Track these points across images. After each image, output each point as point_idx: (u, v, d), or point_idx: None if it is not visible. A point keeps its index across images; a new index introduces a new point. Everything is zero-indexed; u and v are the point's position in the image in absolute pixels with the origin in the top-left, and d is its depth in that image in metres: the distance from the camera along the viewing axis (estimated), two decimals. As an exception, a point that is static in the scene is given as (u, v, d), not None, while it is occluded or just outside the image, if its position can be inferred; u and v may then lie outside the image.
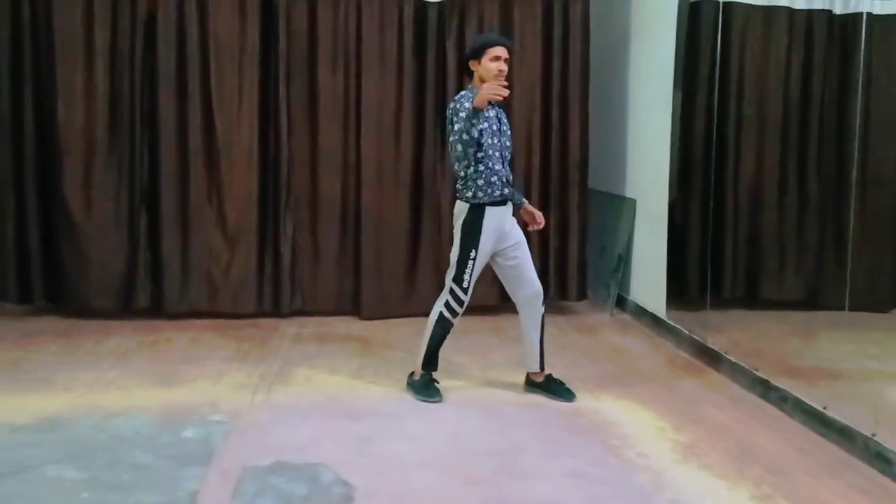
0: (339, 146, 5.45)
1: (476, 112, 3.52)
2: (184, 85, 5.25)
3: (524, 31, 5.55)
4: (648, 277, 5.51)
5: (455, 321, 3.85)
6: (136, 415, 3.53)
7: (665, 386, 4.13)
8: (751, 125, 5.56)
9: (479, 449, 3.24)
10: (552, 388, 3.90)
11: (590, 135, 5.69)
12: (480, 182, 3.69)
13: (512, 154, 3.96)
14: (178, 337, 4.89)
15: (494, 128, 3.74)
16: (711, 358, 4.50)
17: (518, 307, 3.92)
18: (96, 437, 3.27)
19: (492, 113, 3.75)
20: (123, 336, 4.87)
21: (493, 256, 3.83)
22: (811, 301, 5.56)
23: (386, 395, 3.89)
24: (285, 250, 5.40)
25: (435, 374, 3.93)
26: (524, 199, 4.02)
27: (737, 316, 5.39)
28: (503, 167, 3.76)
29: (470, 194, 3.71)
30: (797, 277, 5.58)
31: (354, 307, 5.53)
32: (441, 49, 5.51)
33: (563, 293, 5.72)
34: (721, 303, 5.46)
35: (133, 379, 4.04)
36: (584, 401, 3.84)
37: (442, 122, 5.52)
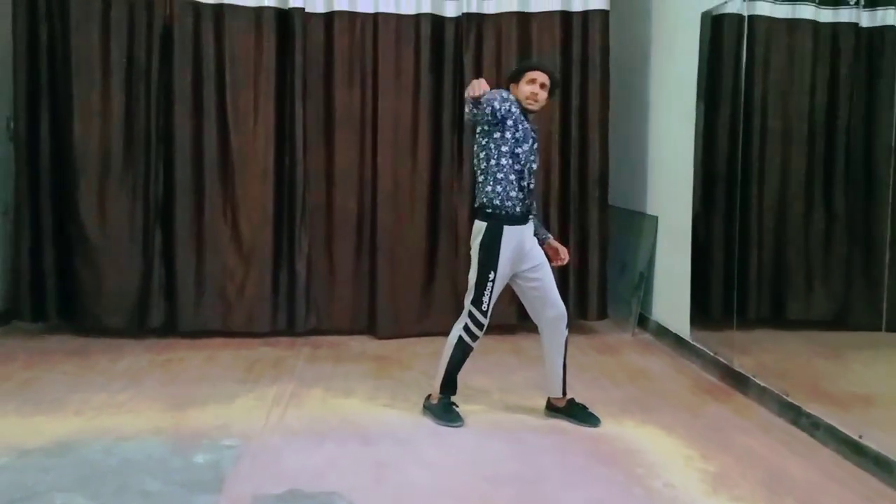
0: (354, 163, 5.37)
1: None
2: (199, 101, 5.21)
3: (542, 44, 5.47)
4: (671, 296, 5.38)
5: (475, 345, 3.73)
6: (147, 438, 3.44)
7: (691, 411, 3.99)
8: (776, 139, 5.43)
9: (499, 477, 3.12)
10: (575, 412, 3.77)
11: (610, 150, 5.59)
12: (500, 191, 3.58)
13: (536, 177, 3.83)
14: (192, 356, 4.82)
15: (530, 141, 3.63)
16: (738, 381, 4.36)
17: (540, 330, 3.79)
18: (106, 461, 3.19)
19: (527, 125, 3.64)
20: (136, 355, 4.80)
21: (514, 277, 3.71)
22: (841, 321, 5.39)
23: (402, 418, 3.79)
24: (300, 268, 5.32)
25: (453, 398, 3.81)
26: (548, 234, 3.90)
27: (763, 336, 5.23)
28: (526, 183, 3.64)
29: (486, 201, 3.59)
30: (826, 296, 5.42)
31: (370, 326, 5.44)
32: (458, 64, 5.43)
33: (582, 312, 5.60)
34: (746, 323, 5.30)
35: (144, 401, 3.96)
36: (608, 426, 3.71)
37: (459, 137, 5.44)
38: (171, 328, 5.24)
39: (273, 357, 4.84)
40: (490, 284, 3.60)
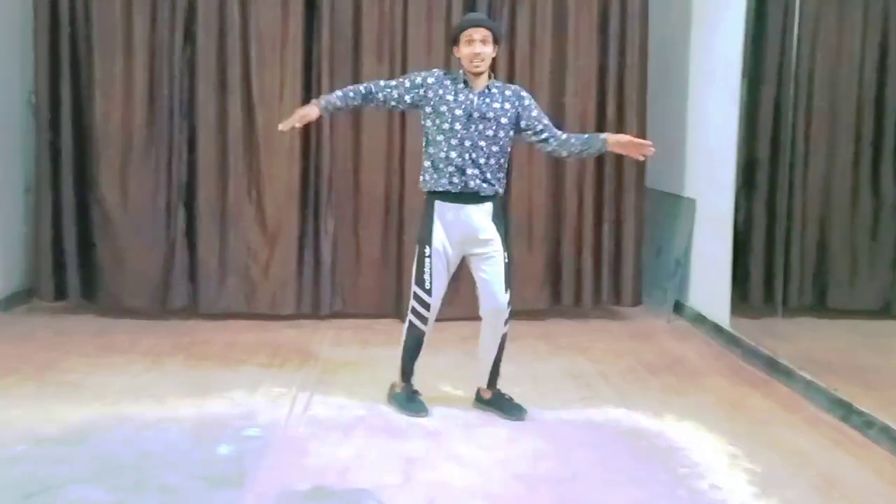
0: (383, 142, 5.20)
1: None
2: (223, 77, 5.06)
3: (579, 20, 5.25)
4: (709, 282, 5.17)
5: (425, 328, 3.54)
6: (168, 427, 3.32)
7: (733, 404, 3.80)
8: (823, 119, 5.18)
9: (535, 475, 2.97)
10: (501, 405, 3.60)
11: (648, 131, 5.36)
12: (427, 165, 3.47)
13: (506, 153, 3.52)
14: (214, 339, 4.70)
15: (458, 113, 3.38)
16: (782, 373, 4.16)
17: (482, 319, 3.60)
18: (124, 452, 3.07)
19: (471, 97, 3.40)
20: (158, 337, 4.69)
21: (466, 261, 3.55)
22: (886, 309, 5.18)
23: (431, 408, 3.63)
24: (326, 249, 5.18)
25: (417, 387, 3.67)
26: (604, 136, 3.48)
27: (806, 325, 5.03)
28: (466, 159, 3.39)
29: (420, 178, 3.52)
30: (872, 284, 5.20)
31: (396, 310, 5.28)
32: (491, 40, 5.22)
33: (616, 298, 5.41)
34: (789, 311, 5.11)
35: (166, 386, 3.85)
36: (647, 421, 3.53)
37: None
38: (193, 309, 5.13)
39: (297, 341, 4.71)
40: (427, 261, 3.45)
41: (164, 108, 5.05)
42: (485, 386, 3.65)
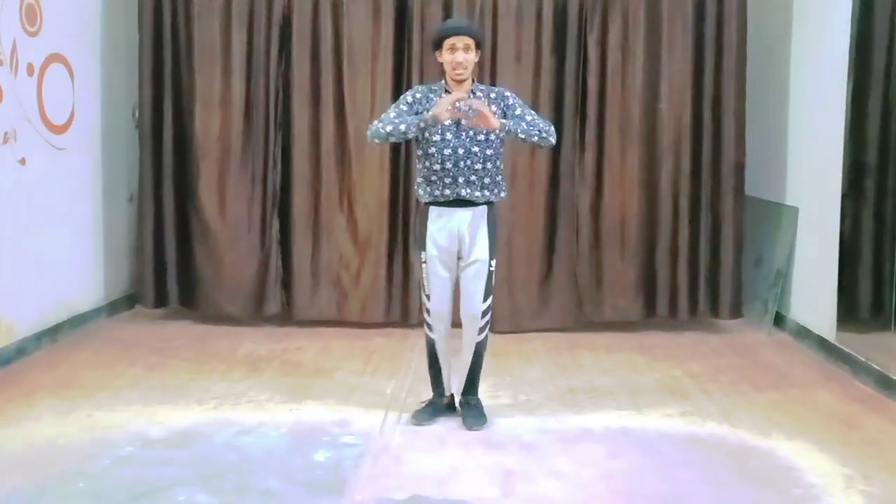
0: (472, 150, 5.18)
1: (435, 122, 3.29)
2: (317, 90, 5.16)
3: (673, 23, 5.13)
4: (813, 294, 4.94)
5: (434, 335, 3.52)
6: (267, 433, 3.38)
7: (845, 423, 3.61)
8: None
9: (637, 493, 2.87)
10: (464, 412, 3.54)
11: (746, 136, 5.19)
12: (420, 180, 3.48)
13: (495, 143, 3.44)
14: (308, 346, 4.78)
15: (447, 123, 3.35)
16: (895, 390, 3.93)
17: None
18: (226, 456, 3.14)
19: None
20: (254, 343, 4.80)
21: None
22: None
23: (525, 420, 3.58)
24: (414, 259, 5.19)
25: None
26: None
27: (919, 340, 4.74)
28: (462, 167, 3.37)
29: (416, 192, 3.55)
30: None
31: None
32: (582, 46, 5.16)
33: (714, 310, 5.23)
34: (899, 325, 4.83)
35: (264, 392, 3.92)
36: (754, 439, 3.39)
37: (581, 122, 5.18)
38: (286, 316, 5.23)
39: (388, 349, 4.74)
40: (424, 267, 3.47)
41: (261, 120, 5.18)
42: (460, 392, 3.60)
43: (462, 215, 3.42)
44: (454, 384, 3.64)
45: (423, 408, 3.59)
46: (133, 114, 5.49)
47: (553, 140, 3.43)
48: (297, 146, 5.17)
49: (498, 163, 3.47)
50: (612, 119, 5.15)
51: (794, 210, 5.18)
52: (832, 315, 4.68)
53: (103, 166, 5.29)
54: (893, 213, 4.88)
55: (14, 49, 4.31)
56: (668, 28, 5.12)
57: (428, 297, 3.49)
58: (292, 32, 5.13)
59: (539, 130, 3.38)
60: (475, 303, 3.44)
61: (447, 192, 3.40)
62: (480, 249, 3.43)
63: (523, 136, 3.36)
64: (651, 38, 5.14)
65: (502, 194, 3.52)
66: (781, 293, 5.24)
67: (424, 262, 3.47)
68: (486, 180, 3.42)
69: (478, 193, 3.41)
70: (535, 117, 3.45)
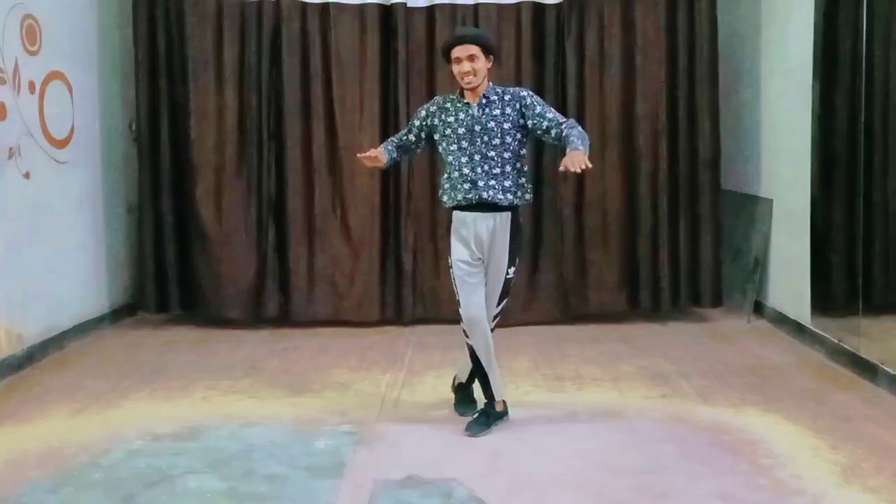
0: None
1: None
2: (307, 99, 5.37)
3: (646, 26, 5.36)
4: (789, 282, 5.16)
5: (470, 341, 3.50)
6: (270, 424, 3.58)
7: (816, 400, 3.82)
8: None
9: (616, 467, 3.08)
10: (459, 397, 3.78)
11: (721, 133, 5.41)
12: (446, 186, 3.54)
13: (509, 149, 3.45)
14: (306, 345, 4.97)
15: (461, 131, 3.45)
16: (866, 369, 4.14)
17: None
18: (232, 446, 3.33)
19: (471, 111, 3.45)
20: (254, 344, 5.00)
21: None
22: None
23: (513, 405, 3.76)
24: (407, 259, 5.40)
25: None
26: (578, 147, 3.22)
27: (889, 323, 4.95)
28: (479, 172, 3.42)
29: (442, 197, 3.59)
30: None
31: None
32: (560, 51, 5.38)
33: (695, 299, 5.45)
34: (871, 309, 5.03)
35: (265, 388, 4.12)
36: (728, 416, 3.60)
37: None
38: (284, 318, 5.42)
39: (383, 346, 4.94)
40: (451, 271, 3.51)
41: (254, 130, 5.38)
42: (464, 379, 3.77)
43: (485, 220, 3.45)
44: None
45: (476, 418, 3.55)
46: (130, 127, 5.69)
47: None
48: (290, 155, 5.37)
49: (518, 165, 3.49)
50: (592, 119, 5.36)
51: (769, 202, 5.40)
52: (807, 301, 4.90)
53: (103, 178, 5.49)
54: (864, 202, 5.09)
55: (16, 68, 4.51)
56: (642, 28, 5.34)
57: (458, 302, 3.49)
58: (282, 46, 5.33)
59: (579, 133, 3.29)
60: (489, 307, 3.51)
61: (469, 196, 3.44)
62: (501, 256, 3.47)
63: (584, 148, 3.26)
64: (626, 40, 5.36)
65: (527, 196, 3.53)
66: (760, 282, 5.46)
67: (451, 266, 3.50)
68: (507, 183, 3.44)
69: (500, 196, 3.43)
70: (556, 114, 3.45)
